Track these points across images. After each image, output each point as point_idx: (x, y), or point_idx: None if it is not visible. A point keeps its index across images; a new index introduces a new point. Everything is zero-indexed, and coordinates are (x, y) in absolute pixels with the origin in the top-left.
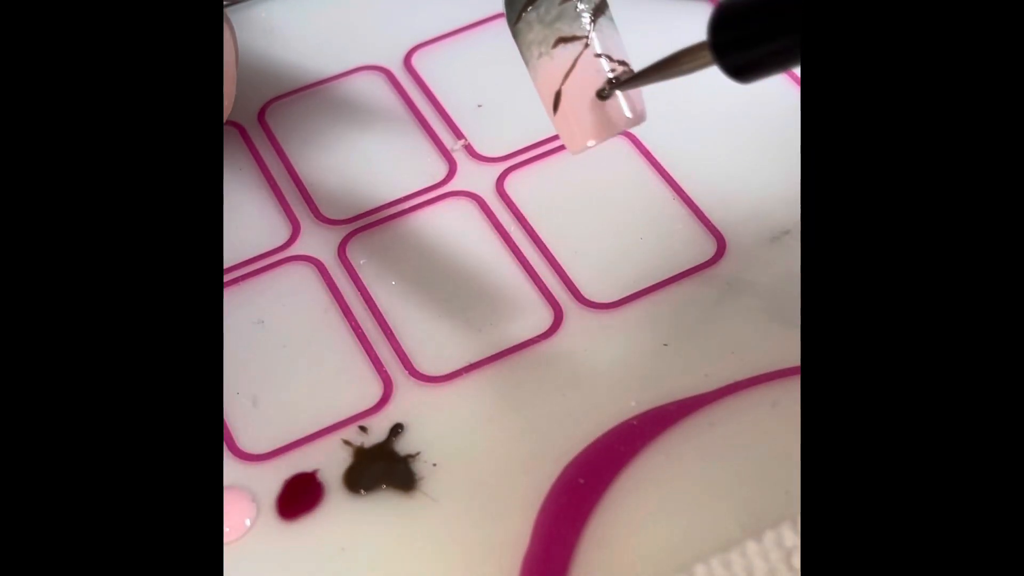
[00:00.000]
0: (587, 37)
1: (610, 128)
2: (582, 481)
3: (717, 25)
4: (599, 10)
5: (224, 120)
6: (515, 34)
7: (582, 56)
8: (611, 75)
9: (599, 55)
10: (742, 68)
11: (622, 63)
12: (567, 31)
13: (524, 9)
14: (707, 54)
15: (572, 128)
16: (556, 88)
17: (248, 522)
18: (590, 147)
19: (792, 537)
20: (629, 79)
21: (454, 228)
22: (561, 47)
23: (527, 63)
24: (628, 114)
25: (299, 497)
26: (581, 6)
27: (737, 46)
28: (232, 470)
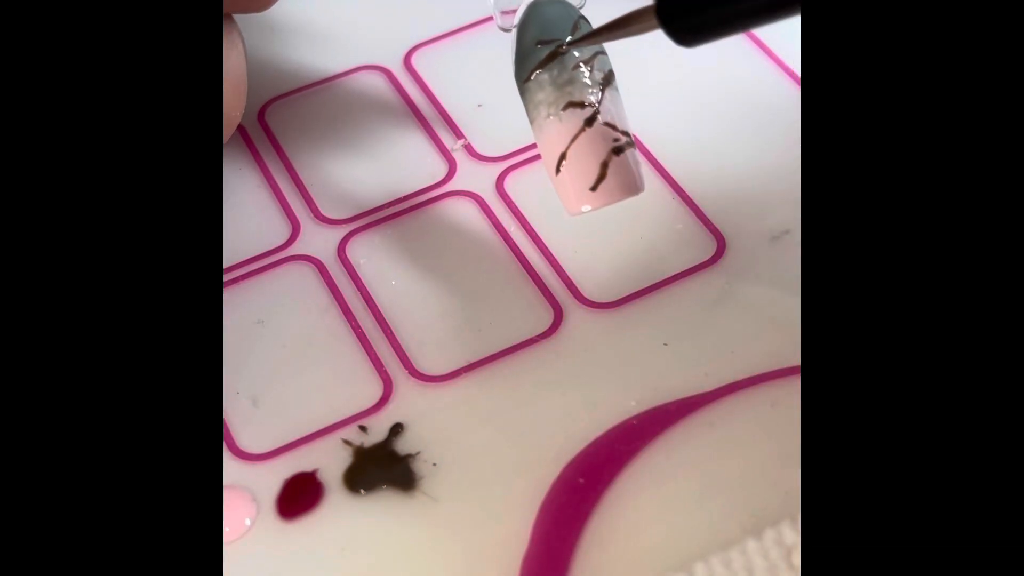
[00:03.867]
0: (596, 104)
1: (608, 197)
2: (582, 481)
3: None
4: (607, 80)
5: (233, 129)
6: (523, 91)
7: (590, 122)
8: (614, 144)
9: (605, 124)
10: (686, 34)
11: (625, 134)
12: (577, 96)
13: (536, 69)
14: (653, 18)
15: (570, 192)
16: (561, 150)
17: (248, 522)
18: (585, 212)
19: (792, 535)
20: (581, 38)
21: (454, 228)
22: (570, 111)
23: (532, 121)
24: (626, 185)
25: (299, 497)
26: (592, 74)
27: (682, 13)
28: (232, 470)
